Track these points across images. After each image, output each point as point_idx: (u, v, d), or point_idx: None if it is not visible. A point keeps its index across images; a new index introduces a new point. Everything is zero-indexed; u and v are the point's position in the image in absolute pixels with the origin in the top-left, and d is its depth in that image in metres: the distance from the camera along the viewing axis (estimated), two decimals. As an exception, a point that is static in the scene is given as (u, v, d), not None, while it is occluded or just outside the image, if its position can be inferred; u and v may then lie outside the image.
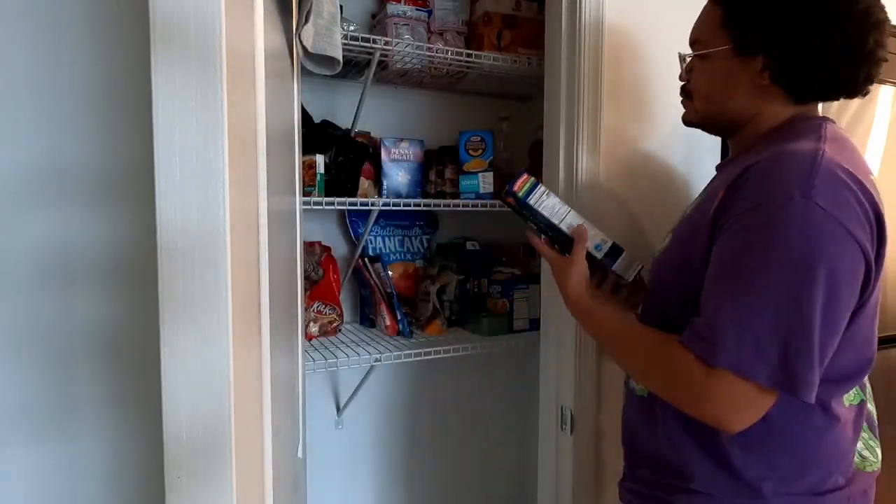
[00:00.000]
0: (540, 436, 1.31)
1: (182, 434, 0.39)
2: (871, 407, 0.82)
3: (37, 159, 1.14)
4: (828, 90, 0.75)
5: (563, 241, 0.91)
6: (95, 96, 1.17)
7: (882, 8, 0.72)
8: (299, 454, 1.04)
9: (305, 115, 1.38)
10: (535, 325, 1.51)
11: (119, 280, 1.20)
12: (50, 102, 1.14)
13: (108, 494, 1.23)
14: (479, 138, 1.50)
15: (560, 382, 1.24)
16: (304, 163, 1.29)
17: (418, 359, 1.39)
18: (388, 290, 1.50)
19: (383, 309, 1.50)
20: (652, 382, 0.76)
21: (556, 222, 0.90)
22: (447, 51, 1.42)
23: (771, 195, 0.62)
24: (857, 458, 0.77)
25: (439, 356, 1.42)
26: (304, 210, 1.29)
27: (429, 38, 1.46)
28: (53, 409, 1.17)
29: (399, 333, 1.49)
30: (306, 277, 1.46)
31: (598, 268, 0.91)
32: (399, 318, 1.48)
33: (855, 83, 0.74)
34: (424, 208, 1.41)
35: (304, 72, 1.07)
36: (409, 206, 1.40)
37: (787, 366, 0.61)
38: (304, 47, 0.84)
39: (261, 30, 0.55)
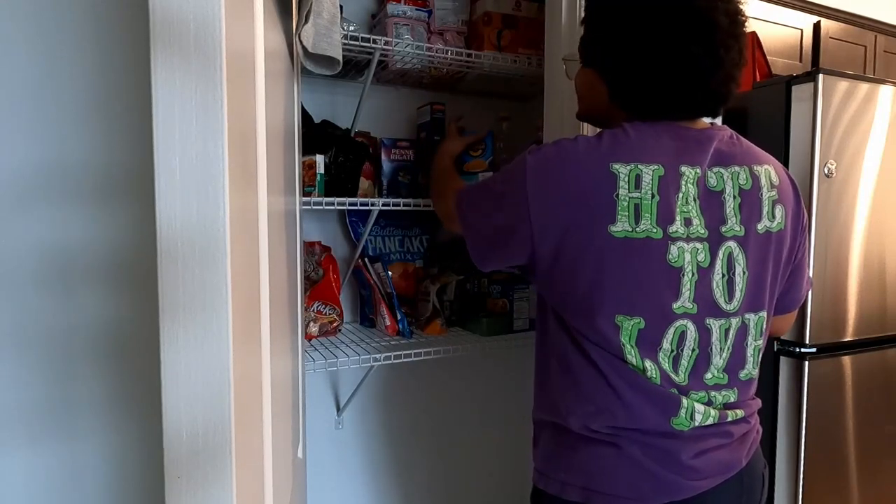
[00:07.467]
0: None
1: (182, 434, 0.39)
2: None
3: (37, 160, 1.14)
4: (657, 114, 0.81)
5: None
6: (96, 97, 1.17)
7: (709, 51, 0.76)
8: (299, 454, 1.04)
9: (305, 115, 1.38)
10: (535, 324, 1.51)
11: (119, 280, 1.20)
12: (50, 103, 1.15)
13: (108, 494, 1.23)
14: (479, 138, 1.49)
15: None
16: (304, 163, 1.29)
17: (418, 359, 1.40)
18: (388, 290, 1.50)
19: (383, 309, 1.50)
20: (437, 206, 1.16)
21: None
22: (447, 51, 1.42)
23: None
24: None
25: (439, 356, 1.42)
26: (304, 210, 1.29)
27: (429, 38, 1.46)
28: (53, 409, 1.18)
29: (399, 333, 1.49)
30: (306, 277, 1.46)
31: None
32: (399, 318, 1.48)
33: (687, 111, 0.81)
34: (424, 208, 1.41)
35: (304, 72, 1.07)
36: (409, 206, 1.40)
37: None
38: (304, 47, 0.84)
39: (261, 30, 0.55)
